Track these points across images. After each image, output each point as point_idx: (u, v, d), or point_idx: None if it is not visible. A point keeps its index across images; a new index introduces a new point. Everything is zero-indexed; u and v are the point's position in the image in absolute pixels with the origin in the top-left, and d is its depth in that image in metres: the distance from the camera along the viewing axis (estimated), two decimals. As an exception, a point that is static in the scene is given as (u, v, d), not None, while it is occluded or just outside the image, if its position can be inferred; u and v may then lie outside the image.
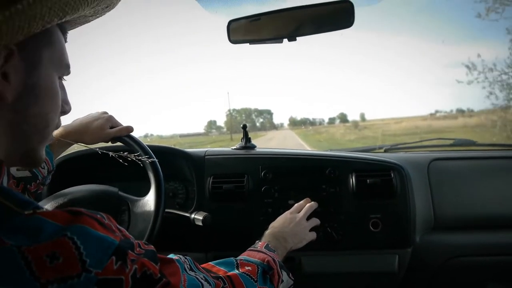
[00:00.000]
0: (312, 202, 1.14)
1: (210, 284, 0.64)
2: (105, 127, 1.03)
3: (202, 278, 0.64)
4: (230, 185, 1.23)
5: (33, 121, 0.52)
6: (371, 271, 1.20)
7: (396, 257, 1.19)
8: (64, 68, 0.57)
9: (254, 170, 1.24)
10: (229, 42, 1.14)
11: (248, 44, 1.17)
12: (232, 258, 0.80)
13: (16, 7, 0.41)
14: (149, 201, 0.98)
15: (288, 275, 0.88)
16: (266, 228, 1.20)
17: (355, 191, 1.19)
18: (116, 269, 0.46)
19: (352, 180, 1.20)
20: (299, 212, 1.10)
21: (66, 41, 0.57)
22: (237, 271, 0.75)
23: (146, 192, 1.01)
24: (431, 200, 1.26)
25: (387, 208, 1.18)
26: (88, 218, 0.46)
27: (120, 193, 1.06)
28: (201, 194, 1.26)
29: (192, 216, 1.11)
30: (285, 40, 1.13)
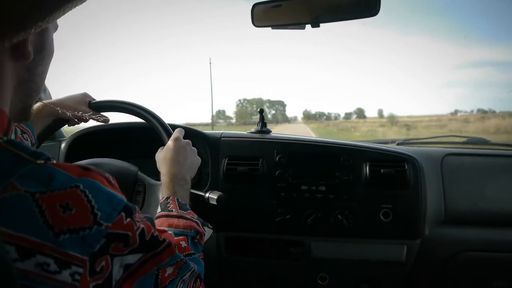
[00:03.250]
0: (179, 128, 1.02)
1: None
2: (85, 97, 1.08)
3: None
4: (245, 168, 1.24)
5: (38, 79, 0.56)
6: (379, 259, 1.22)
7: (405, 247, 1.21)
8: (56, 28, 0.59)
9: (269, 154, 1.26)
10: (253, 26, 1.14)
11: (270, 28, 1.18)
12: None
13: None
14: None
15: (207, 226, 0.88)
16: (279, 213, 1.22)
17: (368, 180, 1.20)
18: (125, 225, 0.48)
19: (366, 169, 1.21)
20: (178, 139, 0.96)
21: None
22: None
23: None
24: (442, 194, 1.27)
25: (399, 199, 1.19)
26: (97, 174, 0.48)
27: (140, 173, 1.08)
28: (215, 174, 1.28)
29: (207, 195, 1.12)
30: (308, 27, 1.13)
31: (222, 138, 1.32)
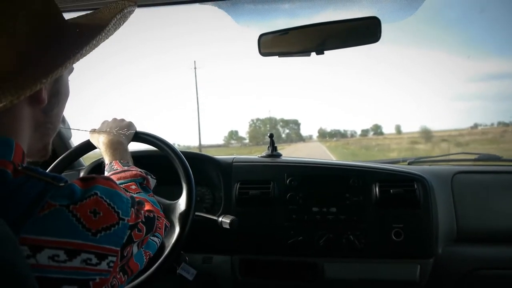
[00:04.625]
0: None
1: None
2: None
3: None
4: (257, 191, 1.28)
5: (54, 120, 0.63)
6: (393, 279, 1.22)
7: (418, 266, 1.21)
8: (71, 71, 0.67)
9: (280, 177, 1.29)
10: (260, 55, 1.19)
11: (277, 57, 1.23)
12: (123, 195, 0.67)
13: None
14: (181, 205, 1.03)
15: (151, 176, 0.99)
16: (291, 234, 1.24)
17: (378, 200, 1.22)
18: (136, 216, 0.61)
19: (376, 190, 1.23)
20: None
21: None
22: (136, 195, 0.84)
23: (176, 197, 1.07)
24: (454, 212, 1.28)
25: (410, 219, 1.21)
26: (103, 180, 0.57)
27: (156, 196, 1.12)
28: (228, 199, 1.32)
29: (220, 219, 1.15)
30: (313, 54, 1.18)
31: (234, 163, 1.36)
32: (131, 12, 0.63)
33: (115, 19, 0.59)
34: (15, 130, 0.55)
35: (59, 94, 0.62)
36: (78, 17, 0.66)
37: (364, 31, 1.09)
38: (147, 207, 0.78)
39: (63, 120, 1.41)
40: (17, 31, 0.51)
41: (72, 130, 1.46)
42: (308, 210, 1.25)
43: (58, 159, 1.13)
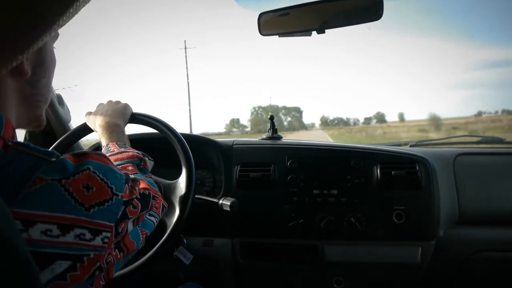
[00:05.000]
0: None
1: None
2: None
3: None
4: (257, 174, 1.27)
5: (42, 91, 0.61)
6: (394, 262, 1.22)
7: (419, 249, 1.20)
8: (56, 38, 0.63)
9: (280, 159, 1.28)
10: (260, 35, 1.17)
11: (277, 36, 1.20)
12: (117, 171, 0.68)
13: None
14: (181, 184, 1.02)
15: (148, 158, 0.98)
16: (292, 217, 1.24)
17: (380, 182, 1.20)
18: (130, 192, 0.60)
19: (377, 171, 1.21)
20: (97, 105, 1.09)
21: None
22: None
23: (175, 179, 1.05)
24: (456, 194, 1.27)
25: (411, 200, 1.20)
26: (96, 155, 0.57)
27: (152, 176, 1.11)
28: (228, 181, 1.31)
29: (220, 201, 1.15)
30: (314, 33, 1.15)
31: (234, 146, 1.35)
32: None
33: None
34: (1, 104, 0.54)
35: (44, 63, 0.60)
36: None
37: (366, 9, 1.07)
38: (142, 185, 0.76)
39: (62, 103, 1.40)
40: None
41: (71, 113, 1.45)
42: (309, 192, 1.24)
43: (56, 142, 1.12)
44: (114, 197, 0.55)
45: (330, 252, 1.24)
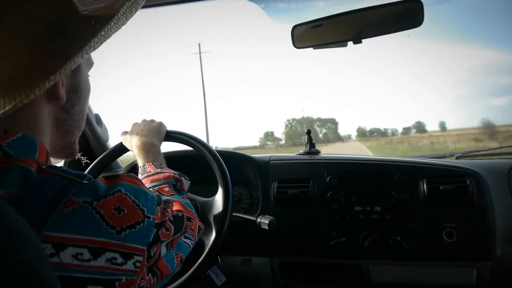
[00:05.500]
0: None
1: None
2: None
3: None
4: (295, 190, 1.23)
5: (76, 118, 0.62)
6: (447, 283, 1.13)
7: (474, 270, 1.11)
8: (91, 65, 0.65)
9: (319, 175, 1.23)
10: (294, 48, 1.14)
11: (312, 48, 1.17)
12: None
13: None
14: (217, 201, 1.00)
15: (185, 177, 0.97)
16: (334, 235, 1.18)
17: (427, 198, 1.13)
18: (163, 214, 0.58)
19: (423, 186, 1.14)
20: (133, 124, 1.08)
21: None
22: (169, 197, 0.83)
23: (212, 197, 1.03)
24: (513, 210, 1.16)
25: (463, 217, 1.11)
26: (128, 177, 0.55)
27: (189, 193, 1.09)
28: (266, 199, 1.27)
29: (258, 220, 1.11)
30: (350, 43, 1.12)
31: (271, 162, 1.32)
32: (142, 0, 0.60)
33: (125, 7, 0.56)
34: (36, 128, 0.54)
35: (78, 91, 0.61)
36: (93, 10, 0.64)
37: (405, 15, 1.01)
38: (176, 206, 0.75)
39: (100, 122, 1.43)
40: (31, 32, 0.50)
41: (110, 132, 1.48)
42: (350, 209, 1.18)
43: (94, 162, 1.14)
44: (146, 219, 0.54)
45: (377, 272, 1.17)
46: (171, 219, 0.62)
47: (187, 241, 0.74)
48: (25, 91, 0.45)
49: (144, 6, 0.70)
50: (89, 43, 0.50)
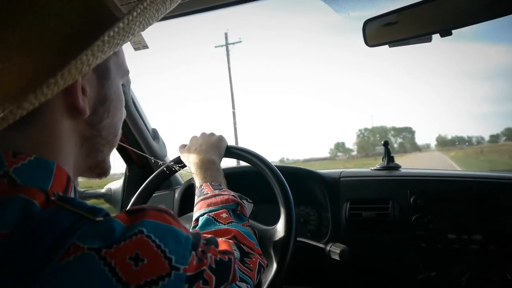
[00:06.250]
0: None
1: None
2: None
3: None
4: (371, 213, 1.07)
5: (105, 133, 0.53)
6: None
7: None
8: (126, 74, 0.57)
9: (400, 195, 1.06)
10: (366, 46, 0.99)
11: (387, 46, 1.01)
12: (205, 215, 0.76)
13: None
14: (279, 231, 0.87)
15: (247, 200, 0.87)
16: (420, 268, 0.99)
17: (546, 225, 0.89)
18: (198, 263, 0.45)
19: (540, 210, 0.91)
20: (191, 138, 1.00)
21: None
22: (226, 226, 0.74)
23: (277, 217, 0.90)
24: None
25: None
26: (155, 212, 0.43)
27: (250, 220, 0.98)
28: (336, 221, 1.12)
29: (328, 248, 0.97)
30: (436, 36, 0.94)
31: (341, 179, 1.17)
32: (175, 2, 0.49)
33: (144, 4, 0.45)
34: (54, 148, 0.46)
35: (107, 101, 0.51)
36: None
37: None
38: (223, 246, 0.60)
39: (157, 137, 1.38)
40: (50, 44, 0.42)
41: (167, 147, 1.43)
42: (442, 237, 0.99)
43: (149, 178, 1.07)
44: (173, 271, 0.40)
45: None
46: (213, 266, 0.48)
47: (243, 285, 0.60)
48: (18, 99, 0.36)
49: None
50: (102, 36, 0.40)
